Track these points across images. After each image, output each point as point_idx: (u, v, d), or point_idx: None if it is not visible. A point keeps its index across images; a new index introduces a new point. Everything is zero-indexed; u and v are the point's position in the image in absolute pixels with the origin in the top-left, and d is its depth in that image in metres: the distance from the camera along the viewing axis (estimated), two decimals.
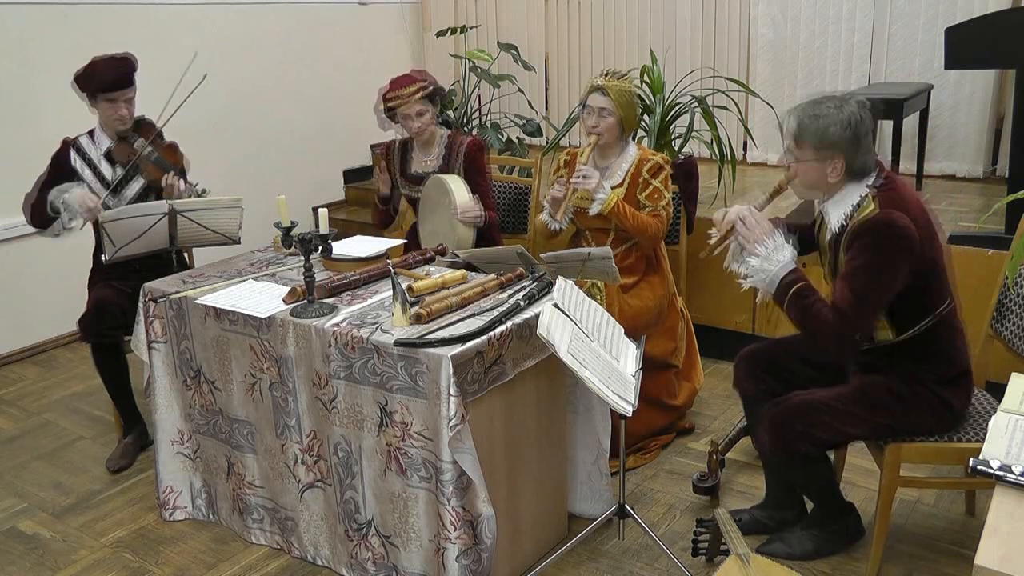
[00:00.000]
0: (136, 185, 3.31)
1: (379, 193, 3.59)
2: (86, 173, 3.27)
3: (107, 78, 3.16)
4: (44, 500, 3.10)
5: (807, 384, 2.48)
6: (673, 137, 4.23)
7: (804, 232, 2.50)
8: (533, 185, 3.89)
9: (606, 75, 3.14)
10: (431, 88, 3.38)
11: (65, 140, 3.31)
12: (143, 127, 3.34)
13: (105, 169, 3.28)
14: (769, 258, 2.32)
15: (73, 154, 3.28)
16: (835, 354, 2.32)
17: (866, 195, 2.26)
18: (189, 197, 3.22)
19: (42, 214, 3.22)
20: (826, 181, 2.29)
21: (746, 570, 2.10)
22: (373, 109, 3.49)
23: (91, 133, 3.32)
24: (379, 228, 3.78)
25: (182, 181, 3.25)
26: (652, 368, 3.09)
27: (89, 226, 3.34)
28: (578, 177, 3.07)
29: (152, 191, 3.33)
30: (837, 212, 2.31)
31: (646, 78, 4.24)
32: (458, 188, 3.29)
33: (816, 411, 2.34)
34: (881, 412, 2.32)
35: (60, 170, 3.26)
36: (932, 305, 2.29)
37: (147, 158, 3.26)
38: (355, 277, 2.69)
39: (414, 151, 3.55)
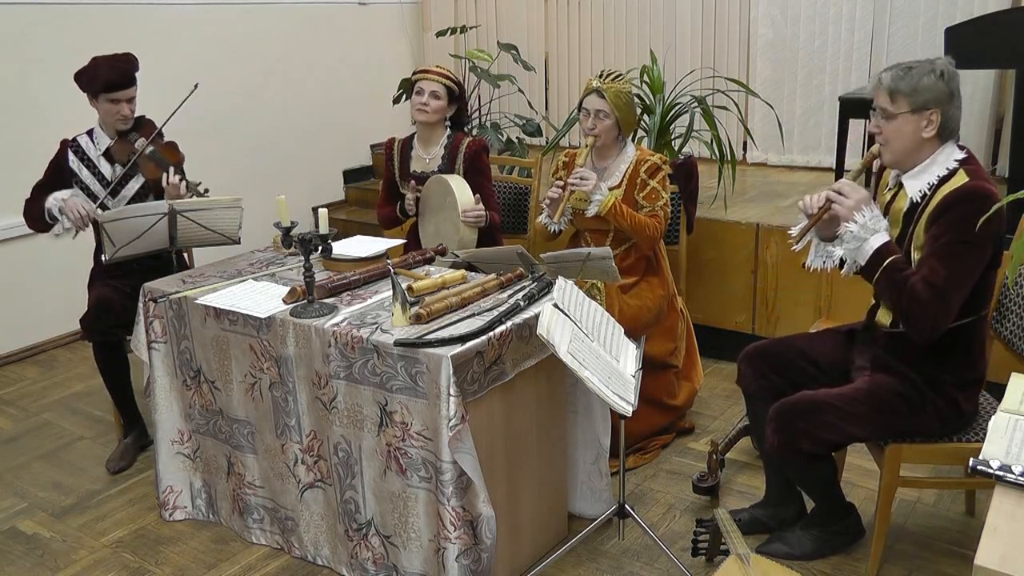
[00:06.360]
0: (135, 184, 3.31)
1: (408, 211, 3.49)
2: (84, 173, 3.26)
3: (110, 78, 3.16)
4: (44, 500, 3.10)
5: (811, 382, 2.47)
6: (673, 137, 4.23)
7: None
8: (533, 185, 3.89)
9: (602, 77, 3.14)
10: (458, 89, 3.41)
11: (63, 142, 3.30)
12: (143, 126, 3.34)
13: (104, 168, 3.28)
14: (866, 227, 2.22)
15: (71, 156, 3.27)
16: (928, 333, 2.17)
17: (955, 168, 2.20)
18: (191, 197, 3.22)
19: (41, 220, 3.22)
20: (920, 138, 2.21)
21: (746, 570, 2.10)
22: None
23: (90, 132, 3.32)
24: (385, 228, 3.77)
25: (184, 182, 3.24)
26: (652, 368, 3.10)
27: (89, 226, 3.34)
28: (575, 179, 3.07)
29: (151, 190, 3.32)
30: (920, 182, 2.24)
31: (646, 78, 4.23)
32: (460, 188, 3.28)
33: (821, 410, 2.32)
34: (887, 414, 2.31)
35: (58, 173, 3.25)
36: (980, 302, 2.25)
37: (146, 155, 3.26)
38: (355, 277, 2.69)
39: (415, 149, 3.54)
